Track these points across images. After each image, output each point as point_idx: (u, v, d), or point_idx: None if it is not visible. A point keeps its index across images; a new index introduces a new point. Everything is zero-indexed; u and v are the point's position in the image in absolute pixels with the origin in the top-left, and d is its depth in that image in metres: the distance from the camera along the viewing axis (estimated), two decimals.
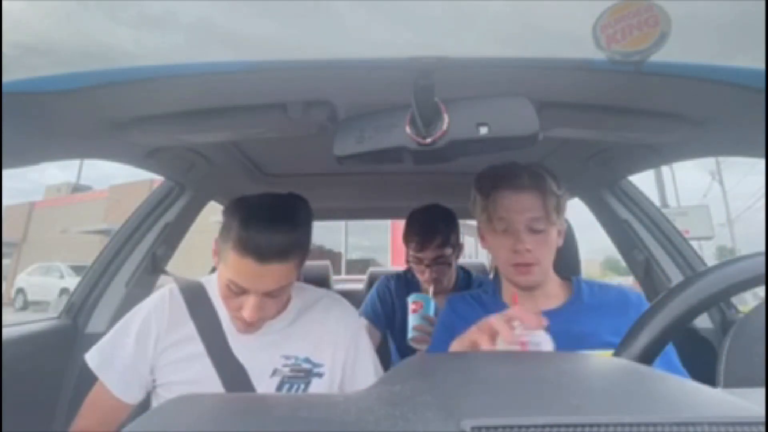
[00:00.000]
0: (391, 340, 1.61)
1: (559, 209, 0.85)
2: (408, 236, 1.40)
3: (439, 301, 1.50)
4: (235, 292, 0.78)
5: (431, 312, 1.26)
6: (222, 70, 0.61)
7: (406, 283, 1.59)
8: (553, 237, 0.85)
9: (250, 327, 0.83)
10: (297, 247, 0.78)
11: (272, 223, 0.76)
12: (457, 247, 1.41)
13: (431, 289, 1.39)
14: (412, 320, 1.25)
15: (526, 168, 0.86)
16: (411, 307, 1.28)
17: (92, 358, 0.84)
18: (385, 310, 1.58)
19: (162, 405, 0.29)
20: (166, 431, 0.25)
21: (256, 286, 0.77)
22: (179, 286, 0.90)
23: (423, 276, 1.39)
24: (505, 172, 0.86)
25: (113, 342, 0.85)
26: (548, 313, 0.86)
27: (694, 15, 0.54)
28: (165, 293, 0.89)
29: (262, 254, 0.74)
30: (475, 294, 0.99)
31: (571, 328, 0.83)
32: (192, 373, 0.82)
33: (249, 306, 0.77)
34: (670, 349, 0.81)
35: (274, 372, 0.85)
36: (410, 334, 1.25)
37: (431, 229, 1.35)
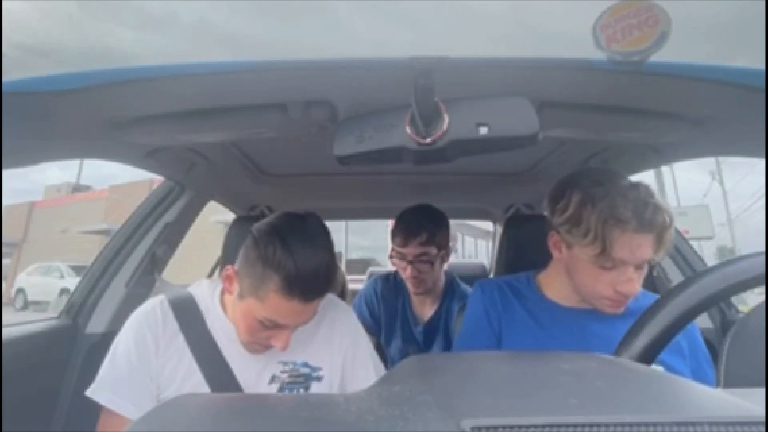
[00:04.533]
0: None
1: None
2: (394, 231, 1.38)
3: (425, 304, 1.47)
4: (268, 326, 0.76)
5: None
6: (222, 70, 0.61)
7: (394, 284, 1.56)
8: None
9: (267, 350, 0.82)
10: (333, 276, 0.78)
11: (317, 259, 0.74)
12: (445, 250, 1.37)
13: (412, 289, 1.38)
14: None
15: (653, 201, 0.74)
16: None
17: (98, 393, 0.79)
18: (372, 314, 1.55)
19: (162, 405, 0.29)
20: (166, 431, 0.25)
21: (296, 322, 0.77)
22: (168, 299, 0.86)
23: (404, 273, 1.36)
24: (636, 208, 0.73)
25: (113, 369, 0.81)
26: (592, 316, 0.84)
27: (694, 15, 0.54)
28: (155, 306, 0.85)
29: (309, 295, 0.74)
30: (509, 281, 0.95)
31: (612, 333, 0.81)
32: (186, 391, 0.79)
33: (284, 338, 0.77)
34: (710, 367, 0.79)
35: (273, 378, 0.84)
36: None
37: (417, 225, 1.33)
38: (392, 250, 1.39)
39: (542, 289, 0.91)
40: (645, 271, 0.78)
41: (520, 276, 0.96)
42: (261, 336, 0.78)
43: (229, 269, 0.81)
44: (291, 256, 0.72)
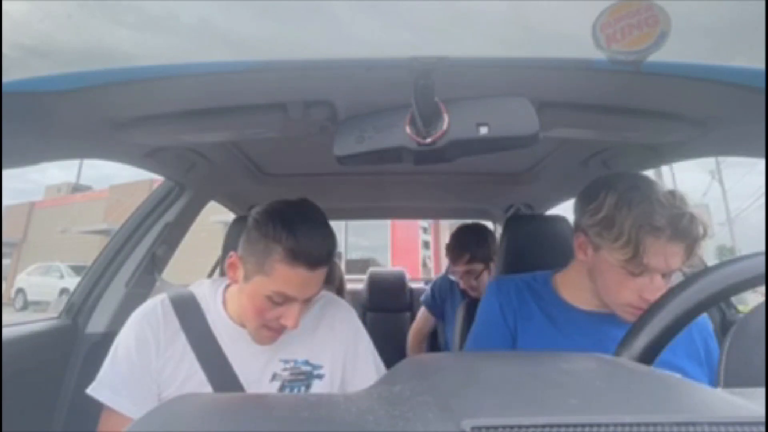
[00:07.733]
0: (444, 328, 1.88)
1: None
2: (447, 250, 1.72)
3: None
4: (277, 302, 0.77)
5: None
6: (222, 70, 0.61)
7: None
8: None
9: (277, 336, 0.83)
10: (334, 247, 0.81)
11: (317, 230, 0.78)
12: (490, 261, 1.59)
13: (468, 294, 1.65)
14: None
15: (689, 211, 0.73)
16: None
17: (99, 391, 0.79)
18: (441, 298, 1.88)
19: (162, 405, 0.29)
20: (166, 431, 0.25)
21: (304, 293, 0.78)
22: (169, 297, 0.87)
23: (461, 283, 1.67)
24: (672, 216, 0.72)
25: (114, 367, 0.81)
26: (610, 321, 0.81)
27: (694, 15, 0.54)
28: (156, 304, 0.85)
29: (313, 261, 0.76)
30: (526, 280, 0.94)
31: None
32: (187, 390, 0.80)
33: (294, 314, 0.78)
34: None
35: (274, 376, 0.84)
36: None
37: (460, 248, 1.63)
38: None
39: (559, 290, 0.90)
40: (672, 280, 0.76)
41: (537, 275, 0.94)
42: (271, 316, 0.79)
43: (233, 256, 0.82)
44: (291, 228, 0.75)
